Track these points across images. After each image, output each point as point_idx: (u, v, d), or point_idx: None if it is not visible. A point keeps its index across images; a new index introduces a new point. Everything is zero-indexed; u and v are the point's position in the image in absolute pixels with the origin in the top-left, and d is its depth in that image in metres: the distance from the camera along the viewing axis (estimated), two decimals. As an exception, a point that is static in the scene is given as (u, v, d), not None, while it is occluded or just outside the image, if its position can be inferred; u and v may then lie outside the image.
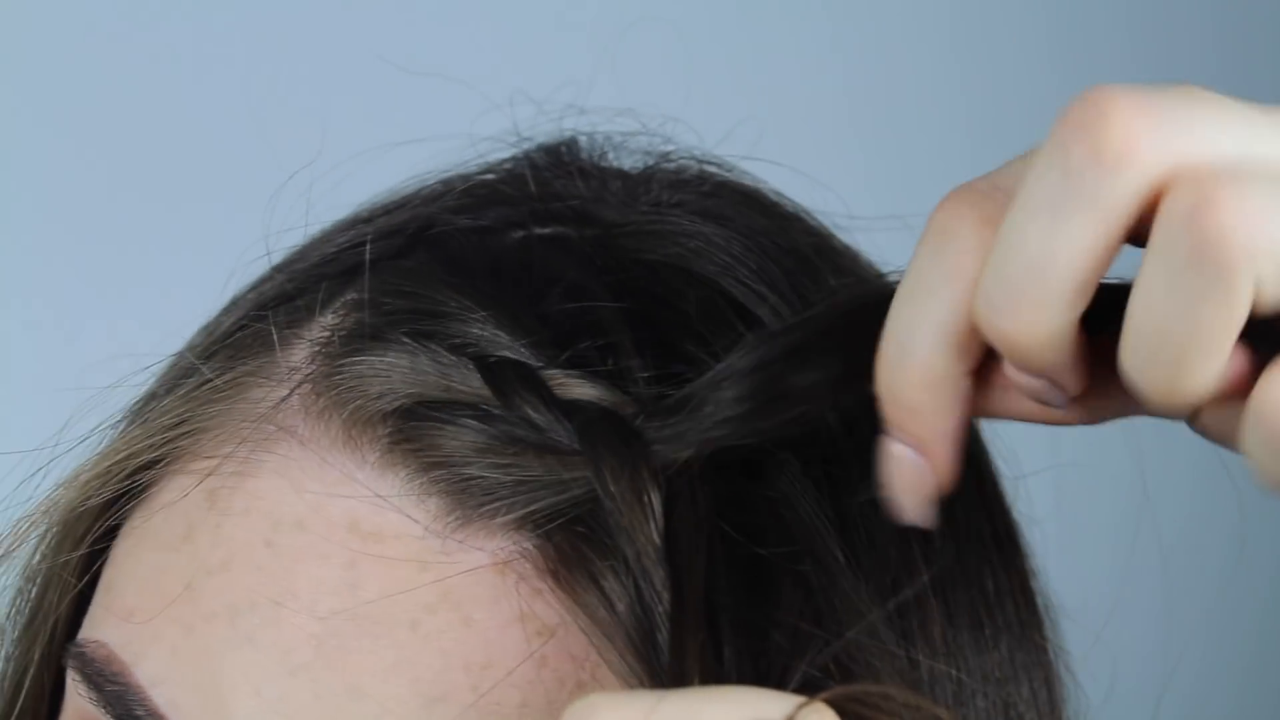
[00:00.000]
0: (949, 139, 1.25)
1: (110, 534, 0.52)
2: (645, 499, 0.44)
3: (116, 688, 0.48)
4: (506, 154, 0.59)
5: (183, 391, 0.51)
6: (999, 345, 0.40)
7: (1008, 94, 1.26)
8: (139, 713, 0.47)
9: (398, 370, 0.47)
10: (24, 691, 0.55)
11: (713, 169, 0.60)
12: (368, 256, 0.52)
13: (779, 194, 0.60)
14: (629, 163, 0.59)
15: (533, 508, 0.46)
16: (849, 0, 1.23)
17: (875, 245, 0.61)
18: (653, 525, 0.44)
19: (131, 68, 1.06)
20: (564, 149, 0.59)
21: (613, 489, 0.44)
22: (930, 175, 1.23)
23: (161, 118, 1.06)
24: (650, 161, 0.59)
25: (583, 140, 0.59)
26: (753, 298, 0.52)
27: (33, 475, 0.53)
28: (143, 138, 1.06)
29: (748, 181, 0.60)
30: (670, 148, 0.60)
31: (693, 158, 0.60)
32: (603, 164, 0.59)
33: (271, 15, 1.07)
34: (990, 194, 0.40)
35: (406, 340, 0.48)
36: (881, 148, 1.23)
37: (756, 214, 0.57)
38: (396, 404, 0.47)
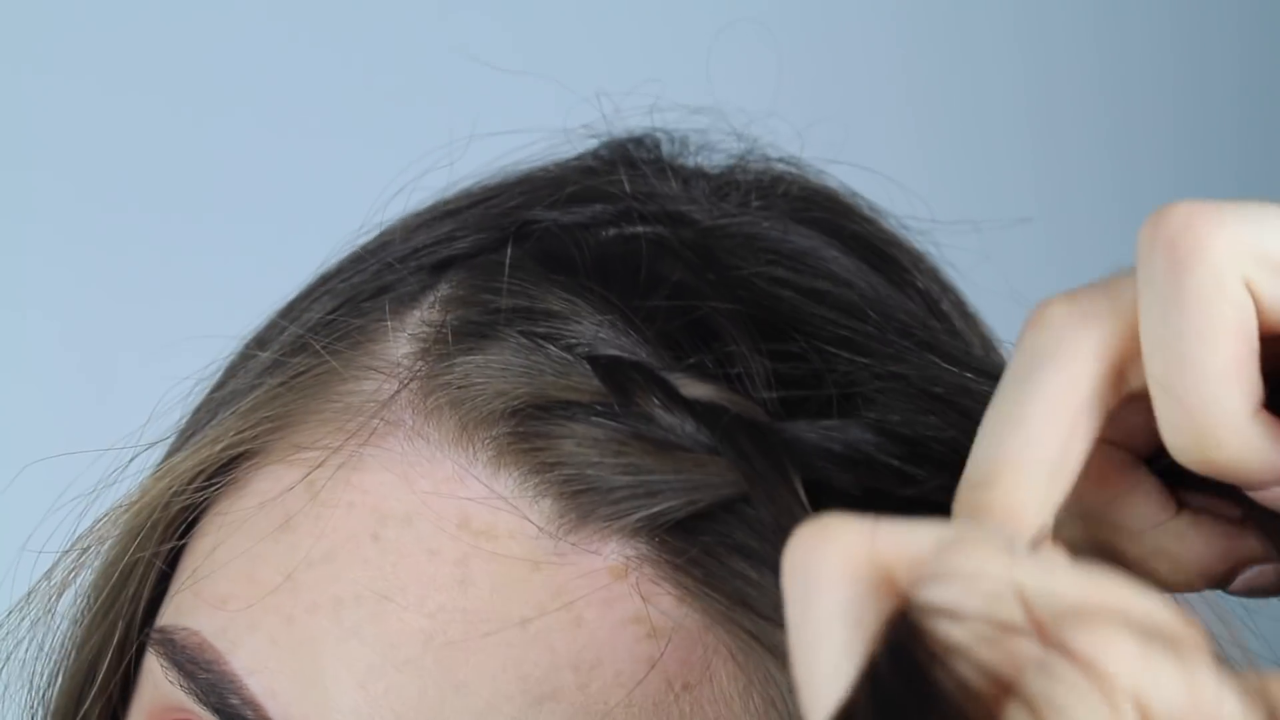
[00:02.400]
0: (1024, 141, 1.25)
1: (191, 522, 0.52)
2: (797, 501, 0.44)
3: (210, 675, 0.47)
4: (588, 146, 0.59)
5: (277, 381, 0.51)
6: None
7: (1081, 100, 1.26)
8: (233, 701, 0.47)
9: (513, 370, 0.47)
10: (99, 677, 0.54)
11: (792, 169, 0.59)
12: (453, 249, 0.52)
13: (855, 194, 0.60)
14: (709, 161, 0.59)
15: (653, 510, 0.45)
16: (931, 5, 1.23)
17: (944, 248, 0.61)
18: None
19: (238, 56, 1.06)
20: (646, 144, 0.58)
21: (766, 492, 0.44)
22: (1006, 179, 1.24)
23: (256, 105, 1.06)
24: (730, 162, 0.59)
25: (663, 138, 0.59)
26: (847, 300, 0.52)
27: (125, 467, 0.52)
28: (234, 124, 1.05)
29: (829, 184, 0.60)
30: (748, 147, 0.60)
31: (771, 159, 0.60)
32: (684, 161, 0.58)
33: (361, 8, 1.07)
34: None
35: (520, 339, 0.47)
36: (957, 151, 1.24)
37: (846, 217, 0.57)
38: (513, 404, 0.47)
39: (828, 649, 0.32)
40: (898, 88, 1.22)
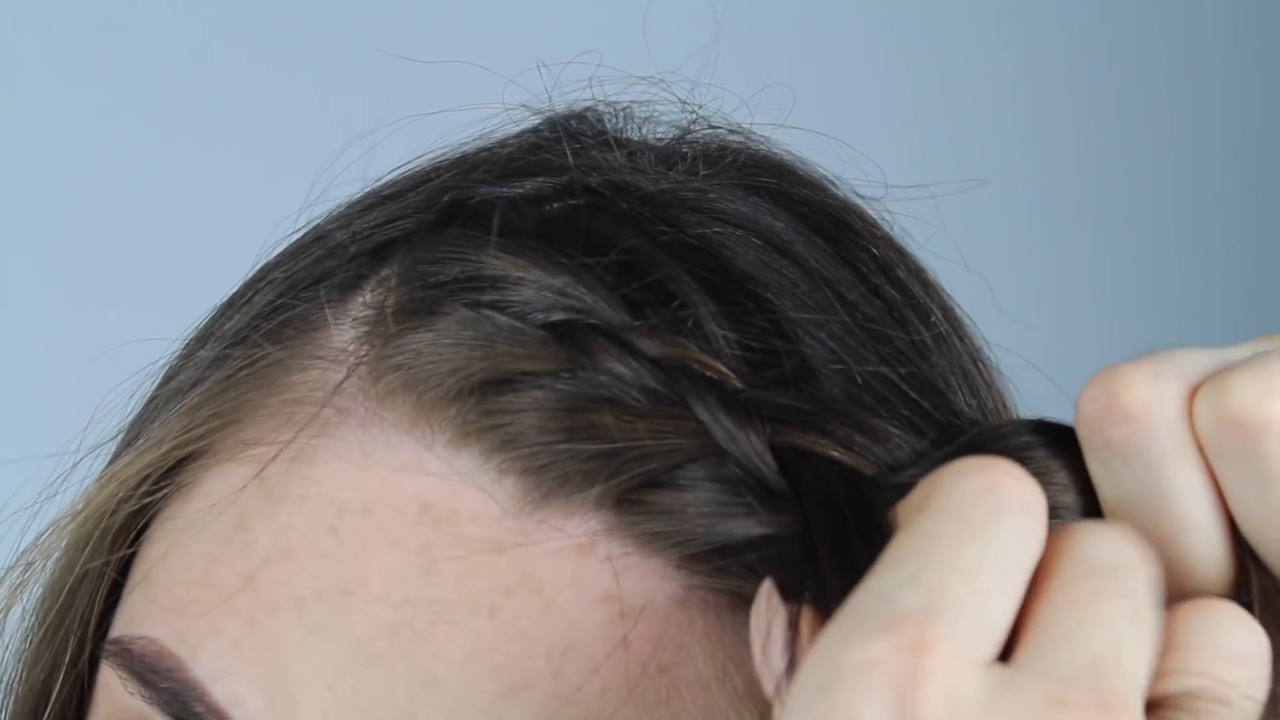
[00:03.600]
0: (978, 107, 1.24)
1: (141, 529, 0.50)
2: (766, 458, 0.43)
3: (172, 684, 0.46)
4: (529, 124, 0.57)
5: (219, 376, 0.49)
6: None
7: (1036, 69, 1.26)
8: (197, 709, 0.45)
9: (464, 344, 0.45)
10: (53, 696, 0.52)
11: (739, 139, 0.58)
12: (393, 230, 0.51)
13: (804, 162, 0.59)
14: (656, 132, 0.58)
15: (622, 477, 0.44)
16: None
17: (897, 215, 0.60)
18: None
19: (163, 46, 1.04)
20: (588, 118, 0.57)
21: (740, 451, 0.43)
22: (959, 146, 1.24)
23: (185, 98, 1.04)
24: (676, 132, 0.58)
25: (604, 110, 0.58)
26: (808, 266, 0.51)
27: (68, 475, 0.50)
28: (161, 118, 1.03)
29: (777, 151, 0.58)
30: (694, 116, 0.59)
31: (717, 126, 0.59)
32: (628, 134, 0.57)
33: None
34: None
35: (466, 310, 0.45)
36: (911, 116, 1.23)
37: (796, 183, 0.56)
38: (467, 380, 0.45)
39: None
40: (850, 50, 1.22)
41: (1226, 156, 1.41)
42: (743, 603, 0.45)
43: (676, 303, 0.46)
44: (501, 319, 0.45)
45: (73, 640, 0.52)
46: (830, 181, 0.58)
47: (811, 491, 0.43)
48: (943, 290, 0.58)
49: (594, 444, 0.44)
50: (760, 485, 0.43)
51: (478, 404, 0.45)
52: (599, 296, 0.46)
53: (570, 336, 0.45)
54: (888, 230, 0.58)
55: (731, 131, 0.58)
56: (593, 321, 0.45)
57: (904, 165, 0.60)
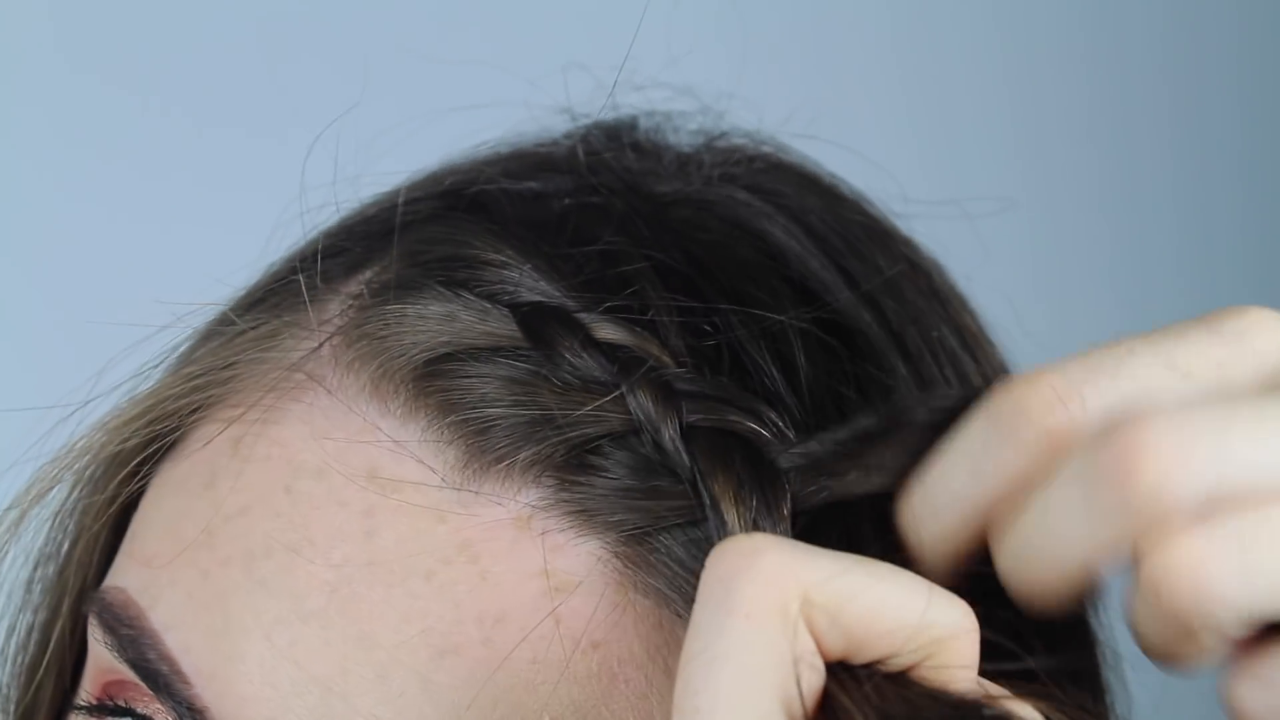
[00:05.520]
0: (1006, 124, 1.23)
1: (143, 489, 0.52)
2: (677, 438, 0.45)
3: (131, 632, 0.47)
4: (561, 129, 0.59)
5: (216, 343, 0.51)
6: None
7: (1064, 84, 1.24)
8: (150, 656, 0.47)
9: (429, 318, 0.47)
10: (51, 642, 0.55)
11: (767, 149, 0.59)
12: (402, 215, 0.52)
13: (835, 176, 0.59)
14: (685, 141, 0.59)
15: (546, 444, 0.45)
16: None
17: (932, 231, 0.60)
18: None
19: (192, 30, 1.07)
20: (622, 126, 0.58)
21: (653, 427, 0.45)
22: (988, 161, 1.22)
23: (227, 76, 1.06)
24: (704, 140, 0.59)
25: (640, 118, 0.59)
26: (797, 272, 0.52)
27: (64, 419, 0.52)
28: (199, 91, 1.06)
29: (804, 163, 0.59)
30: (726, 127, 0.60)
31: (748, 137, 0.59)
32: (659, 141, 0.58)
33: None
34: (1065, 415, 0.40)
35: (440, 288, 0.47)
36: (940, 133, 1.22)
37: (809, 193, 0.56)
38: (427, 352, 0.46)
39: (737, 675, 0.37)
40: (874, 70, 1.21)
41: (1245, 170, 1.37)
42: (683, 587, 0.46)
43: (638, 292, 0.48)
44: (470, 297, 0.47)
45: (72, 588, 0.54)
46: (859, 196, 0.59)
47: (716, 468, 0.44)
48: (967, 308, 0.58)
49: (525, 412, 0.45)
50: (675, 464, 0.45)
51: (429, 374, 0.46)
52: (567, 284, 0.47)
53: (529, 319, 0.46)
54: (904, 242, 0.58)
55: (758, 142, 0.59)
56: (554, 304, 0.47)
57: (929, 184, 0.60)
